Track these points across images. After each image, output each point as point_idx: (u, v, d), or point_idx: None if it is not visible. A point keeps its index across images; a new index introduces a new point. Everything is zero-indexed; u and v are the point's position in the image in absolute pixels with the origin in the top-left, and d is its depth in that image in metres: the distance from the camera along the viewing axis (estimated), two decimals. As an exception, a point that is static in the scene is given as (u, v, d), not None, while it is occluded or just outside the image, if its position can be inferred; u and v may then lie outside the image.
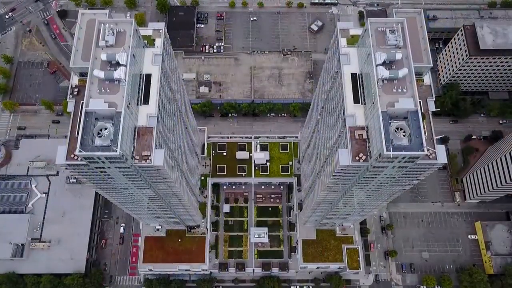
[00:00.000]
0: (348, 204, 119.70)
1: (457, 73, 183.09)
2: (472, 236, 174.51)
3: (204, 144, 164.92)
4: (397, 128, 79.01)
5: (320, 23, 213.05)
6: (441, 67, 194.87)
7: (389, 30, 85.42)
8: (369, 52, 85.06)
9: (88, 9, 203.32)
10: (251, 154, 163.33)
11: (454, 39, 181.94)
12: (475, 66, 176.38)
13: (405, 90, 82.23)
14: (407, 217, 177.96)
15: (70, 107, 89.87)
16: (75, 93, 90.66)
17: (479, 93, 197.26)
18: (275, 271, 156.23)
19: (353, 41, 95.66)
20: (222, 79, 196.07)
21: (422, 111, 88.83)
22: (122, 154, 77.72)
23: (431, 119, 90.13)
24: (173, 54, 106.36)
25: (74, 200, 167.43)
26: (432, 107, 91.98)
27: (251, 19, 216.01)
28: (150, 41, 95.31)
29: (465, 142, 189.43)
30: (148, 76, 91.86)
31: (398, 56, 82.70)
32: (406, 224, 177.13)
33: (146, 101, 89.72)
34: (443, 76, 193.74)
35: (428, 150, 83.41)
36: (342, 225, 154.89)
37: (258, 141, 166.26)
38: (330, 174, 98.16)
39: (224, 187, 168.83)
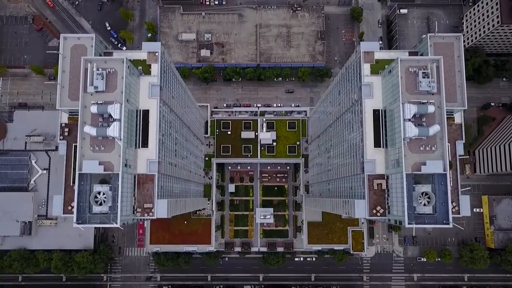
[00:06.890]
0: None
1: (483, 38, 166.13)
2: (478, 210, 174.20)
3: (207, 122, 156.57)
4: (422, 193, 72.50)
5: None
6: (467, 27, 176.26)
7: (422, 72, 73.55)
8: (396, 97, 74.42)
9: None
10: (256, 134, 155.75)
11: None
12: (505, 32, 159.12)
13: (434, 148, 73.61)
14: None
15: (62, 150, 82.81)
16: (66, 133, 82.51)
17: (504, 55, 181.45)
18: (280, 250, 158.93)
19: (377, 68, 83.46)
20: (224, 39, 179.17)
21: (450, 159, 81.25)
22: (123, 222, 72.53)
23: (458, 167, 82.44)
24: (174, 69, 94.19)
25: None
26: (460, 151, 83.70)
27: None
28: (145, 68, 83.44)
29: (482, 111, 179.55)
30: (146, 113, 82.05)
31: (431, 109, 72.41)
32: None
33: (145, 144, 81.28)
34: (468, 38, 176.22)
35: (452, 204, 78.03)
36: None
37: (264, 119, 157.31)
38: (343, 210, 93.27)
39: (229, 167, 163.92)
